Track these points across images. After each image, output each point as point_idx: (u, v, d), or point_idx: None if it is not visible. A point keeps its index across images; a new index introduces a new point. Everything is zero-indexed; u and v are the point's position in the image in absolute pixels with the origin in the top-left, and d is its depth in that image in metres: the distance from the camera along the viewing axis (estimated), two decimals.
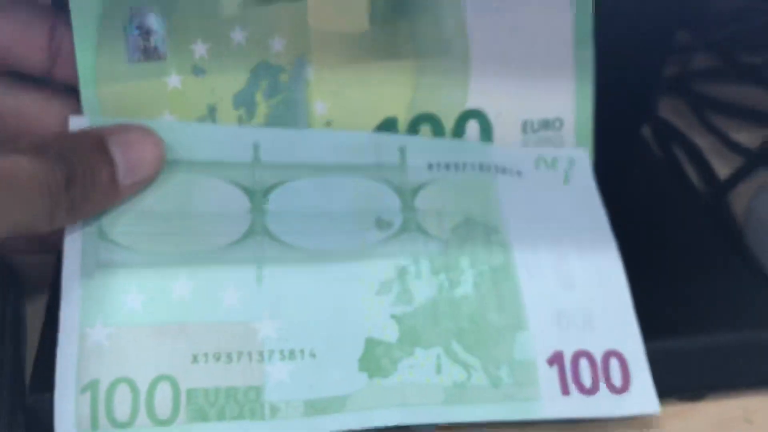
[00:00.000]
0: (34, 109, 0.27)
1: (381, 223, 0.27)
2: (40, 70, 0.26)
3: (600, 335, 0.26)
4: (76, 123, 0.26)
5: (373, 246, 0.27)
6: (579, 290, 0.27)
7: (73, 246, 0.25)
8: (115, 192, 0.25)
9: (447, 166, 0.29)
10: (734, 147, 0.42)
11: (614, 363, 0.26)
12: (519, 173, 0.30)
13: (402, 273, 0.26)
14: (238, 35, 0.27)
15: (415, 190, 0.28)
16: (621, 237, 0.30)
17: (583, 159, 0.30)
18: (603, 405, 0.25)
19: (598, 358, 0.26)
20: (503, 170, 0.29)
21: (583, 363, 0.26)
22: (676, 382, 0.28)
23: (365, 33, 0.28)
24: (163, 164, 0.26)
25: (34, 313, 0.29)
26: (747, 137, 0.42)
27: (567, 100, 0.30)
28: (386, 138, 0.29)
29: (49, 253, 0.26)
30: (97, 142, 0.24)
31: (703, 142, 0.43)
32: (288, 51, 0.28)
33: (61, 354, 0.23)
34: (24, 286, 0.29)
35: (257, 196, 0.27)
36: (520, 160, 0.30)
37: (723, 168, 0.41)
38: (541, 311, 0.27)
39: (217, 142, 0.27)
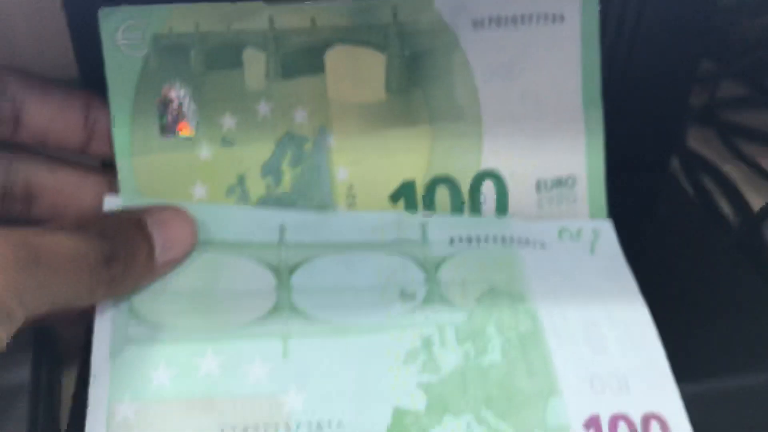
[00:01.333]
0: (70, 185, 0.28)
1: (405, 296, 0.28)
2: (77, 148, 0.28)
3: (637, 398, 0.26)
4: (110, 203, 0.27)
5: (397, 317, 0.27)
6: (612, 354, 0.27)
7: (103, 322, 0.25)
8: (151, 270, 0.26)
9: (469, 240, 0.30)
10: (766, 176, 0.41)
11: (655, 426, 0.26)
12: (542, 245, 0.30)
13: (427, 342, 0.27)
14: (263, 108, 0.29)
15: (438, 264, 0.29)
16: (652, 275, 0.30)
17: (608, 229, 0.31)
18: None
19: (638, 422, 0.26)
20: (526, 242, 0.30)
21: (622, 426, 0.25)
22: (714, 424, 0.27)
23: (382, 102, 0.30)
24: (195, 244, 0.27)
25: (71, 378, 0.29)
26: None
27: (579, 159, 0.31)
28: (407, 216, 0.30)
29: (87, 323, 0.26)
30: (135, 221, 0.25)
31: (733, 171, 0.43)
32: (310, 121, 0.29)
33: (89, 430, 0.24)
34: (61, 352, 0.30)
35: (283, 273, 0.28)
36: (542, 232, 0.31)
37: (755, 197, 0.40)
38: (573, 376, 0.26)
39: (244, 224, 0.28)
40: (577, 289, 0.29)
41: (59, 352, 0.30)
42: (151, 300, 0.26)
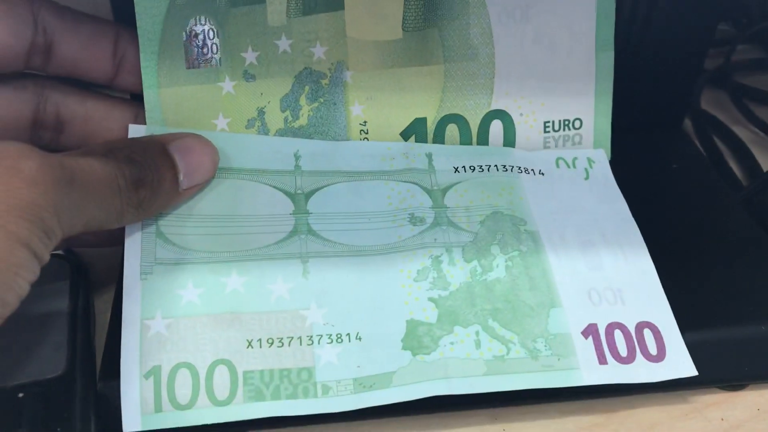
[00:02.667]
0: (99, 115, 0.29)
1: (414, 219, 0.30)
2: (105, 79, 0.29)
3: (631, 309, 0.28)
4: (134, 131, 0.29)
5: (408, 239, 0.29)
6: (607, 271, 0.29)
7: (133, 246, 0.27)
8: (176, 194, 0.27)
9: (472, 169, 0.31)
10: None
11: (648, 333, 0.28)
12: (541, 172, 0.32)
13: (436, 261, 0.29)
14: (283, 43, 0.30)
15: (444, 190, 0.31)
16: (662, 230, 0.31)
17: (602, 158, 0.33)
18: (641, 372, 0.27)
19: (632, 330, 0.28)
20: (525, 170, 0.32)
21: (618, 334, 0.28)
22: (717, 371, 0.29)
23: (398, 40, 0.31)
24: (216, 169, 0.28)
25: (102, 305, 0.31)
26: None
27: (587, 102, 0.33)
28: (414, 146, 0.32)
29: (114, 246, 0.28)
30: (161, 147, 0.27)
31: (745, 133, 0.43)
32: (328, 57, 0.31)
33: (125, 344, 0.26)
34: (92, 279, 0.32)
35: (299, 199, 0.29)
36: (541, 161, 0.32)
37: (765, 159, 0.41)
38: (572, 289, 0.29)
39: (261, 152, 0.30)
40: (573, 211, 0.31)
41: (90, 279, 0.32)
42: (177, 224, 0.28)
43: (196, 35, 0.29)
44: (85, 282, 0.30)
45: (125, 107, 0.30)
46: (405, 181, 0.31)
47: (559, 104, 0.32)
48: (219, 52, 0.30)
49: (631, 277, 0.29)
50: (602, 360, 0.27)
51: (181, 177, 0.27)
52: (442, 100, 0.32)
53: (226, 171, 0.29)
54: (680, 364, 0.27)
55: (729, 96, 0.46)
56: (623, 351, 0.27)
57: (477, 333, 0.27)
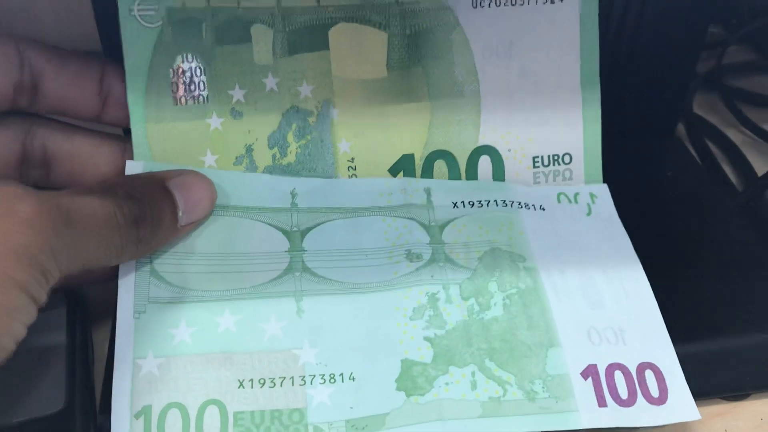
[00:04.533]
0: (86, 151, 0.29)
1: (411, 256, 0.30)
2: (91, 115, 0.29)
3: (632, 349, 0.28)
4: (132, 167, 0.29)
5: (404, 276, 0.29)
6: (608, 309, 0.29)
7: (126, 284, 0.27)
8: (174, 230, 0.27)
9: (471, 204, 0.32)
10: None
11: (650, 375, 0.27)
12: (542, 208, 0.32)
13: (433, 299, 0.28)
14: (270, 81, 0.31)
15: (442, 226, 0.31)
16: (659, 239, 0.31)
17: (604, 193, 0.33)
18: (642, 415, 0.27)
19: (633, 371, 0.27)
20: (526, 205, 0.32)
21: (618, 375, 0.27)
22: (719, 382, 0.29)
23: (383, 79, 0.31)
24: (214, 206, 0.29)
25: (100, 335, 0.32)
26: None
27: (576, 136, 0.33)
28: (412, 181, 0.32)
29: (113, 280, 0.28)
30: (160, 184, 0.27)
31: (738, 136, 0.43)
32: (315, 96, 0.31)
33: (116, 384, 0.26)
34: (90, 311, 0.32)
35: (295, 236, 0.29)
36: (542, 196, 0.32)
37: (759, 161, 0.41)
38: (571, 328, 0.28)
39: (257, 190, 0.30)
40: (574, 248, 0.31)
41: (88, 311, 0.32)
42: (172, 262, 0.28)
43: (184, 72, 0.30)
44: (83, 314, 0.31)
45: (112, 143, 0.30)
46: (402, 217, 0.31)
47: (548, 139, 0.33)
48: (206, 89, 0.30)
49: (633, 315, 0.29)
50: (602, 402, 0.27)
51: (180, 213, 0.27)
52: (428, 136, 0.32)
53: (222, 208, 0.29)
54: (683, 407, 0.27)
55: (721, 99, 0.46)
56: (624, 393, 0.27)
57: (473, 373, 0.27)
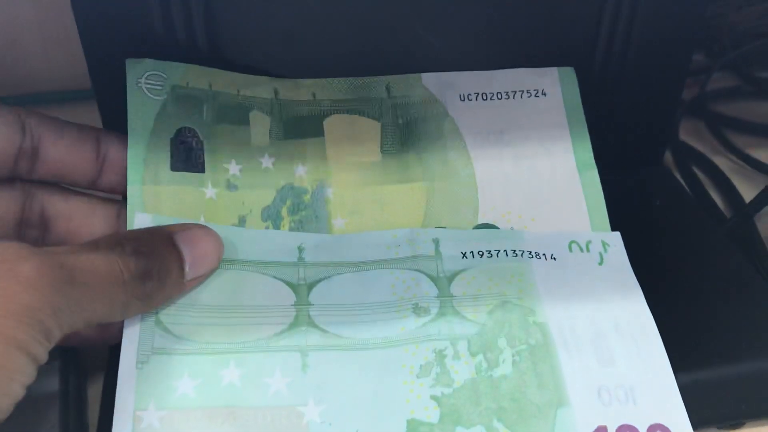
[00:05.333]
0: (82, 212, 0.30)
1: (418, 310, 0.29)
2: (88, 180, 0.30)
3: (643, 409, 0.27)
4: (141, 220, 0.29)
5: (411, 331, 0.29)
6: (619, 366, 0.28)
7: (131, 334, 0.27)
8: (181, 285, 0.27)
9: (481, 254, 0.31)
10: (757, 166, 0.42)
11: None
12: (553, 257, 0.31)
13: (440, 355, 0.28)
14: (266, 161, 0.32)
15: (451, 278, 0.30)
16: (647, 266, 0.31)
17: (616, 241, 0.32)
18: None
19: None
20: (537, 255, 0.31)
21: None
22: (712, 411, 0.29)
23: (378, 162, 0.32)
24: (220, 260, 0.29)
25: (93, 386, 0.31)
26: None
27: (581, 219, 0.33)
28: (420, 231, 0.32)
29: (115, 342, 0.28)
30: (167, 238, 0.27)
31: (724, 162, 0.43)
32: (310, 176, 0.32)
33: None
34: (85, 364, 0.32)
35: (301, 290, 0.29)
36: (554, 245, 0.32)
37: (746, 187, 0.41)
38: (581, 387, 0.28)
39: (265, 245, 0.30)
40: (585, 301, 0.30)
41: (81, 366, 0.31)
42: (177, 313, 0.28)
43: (183, 141, 0.31)
44: (76, 363, 0.30)
45: (108, 205, 0.30)
46: (410, 269, 0.30)
47: (551, 220, 0.33)
48: (203, 160, 0.31)
49: (644, 373, 0.28)
50: None
51: (186, 268, 0.27)
52: (426, 215, 0.33)
53: (229, 262, 0.29)
54: None
55: (706, 125, 0.47)
56: None
57: None
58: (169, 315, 0.27)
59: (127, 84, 0.30)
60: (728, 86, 0.49)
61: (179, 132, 0.31)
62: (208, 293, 0.28)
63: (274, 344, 0.28)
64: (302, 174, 0.32)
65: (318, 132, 0.32)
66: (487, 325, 0.29)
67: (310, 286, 0.29)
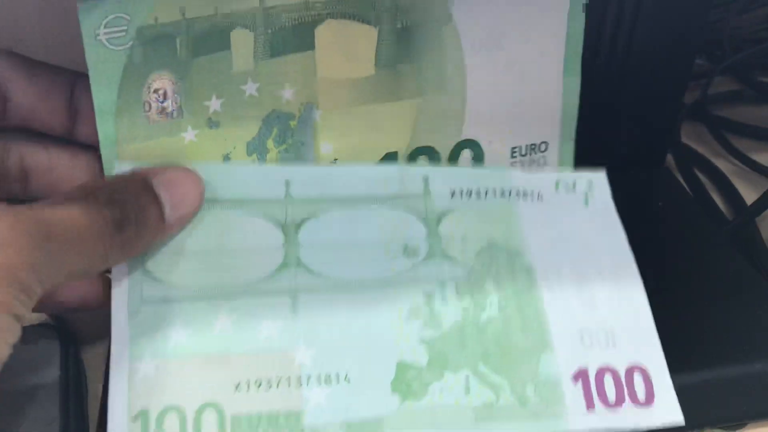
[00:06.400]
0: (64, 162, 0.29)
1: (408, 251, 0.29)
2: (62, 130, 0.29)
3: (623, 351, 0.28)
4: (120, 168, 0.28)
5: (401, 273, 0.29)
6: (601, 309, 0.29)
7: (120, 286, 0.27)
8: (162, 229, 0.26)
9: (469, 194, 0.31)
10: (758, 169, 0.42)
11: (638, 377, 0.28)
12: (540, 197, 0.31)
13: (429, 299, 0.28)
14: (250, 88, 0.29)
15: (439, 218, 0.30)
16: (649, 268, 0.31)
17: (602, 181, 0.32)
18: (628, 418, 0.27)
19: (622, 373, 0.28)
20: (524, 194, 0.31)
21: (608, 378, 0.28)
22: (714, 412, 0.29)
23: (370, 77, 0.30)
24: (203, 201, 0.28)
25: (92, 374, 0.31)
26: None
27: (554, 125, 0.33)
28: (410, 169, 0.31)
29: (102, 308, 0.27)
30: (143, 183, 0.26)
31: (725, 166, 0.43)
32: (297, 98, 0.30)
33: (112, 388, 0.26)
34: (81, 341, 0.32)
35: (290, 230, 0.29)
36: (540, 184, 0.32)
37: (747, 190, 0.41)
38: (564, 331, 0.28)
39: (250, 181, 0.29)
40: (570, 243, 0.30)
41: (78, 342, 0.32)
42: (164, 261, 0.27)
43: (156, 90, 0.28)
44: (75, 351, 0.30)
45: (91, 153, 0.29)
46: (399, 208, 0.30)
47: (527, 130, 0.33)
48: (180, 104, 0.29)
49: (624, 316, 0.29)
50: (590, 405, 0.27)
51: (166, 212, 0.26)
52: (413, 133, 0.32)
53: (213, 202, 0.28)
54: (668, 410, 0.27)
55: (707, 128, 0.47)
56: (612, 396, 0.27)
57: (467, 378, 0.27)
58: (156, 263, 0.27)
59: (84, 38, 0.27)
60: (730, 90, 0.50)
61: (151, 79, 0.28)
62: (194, 237, 0.28)
63: (263, 288, 0.28)
64: (289, 97, 0.30)
65: (308, 45, 0.30)
66: (474, 268, 0.29)
67: (299, 225, 0.29)
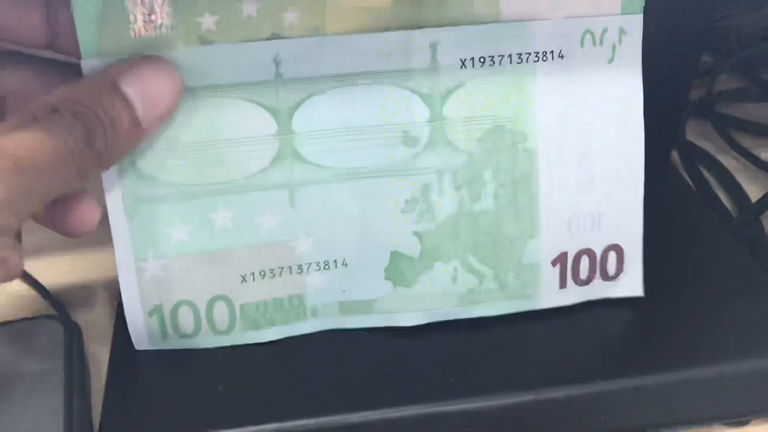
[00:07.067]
0: (37, 83, 0.27)
1: (408, 139, 0.28)
2: (40, 45, 0.27)
3: (605, 233, 0.29)
4: (88, 65, 0.25)
5: (398, 163, 0.28)
6: (595, 193, 0.29)
7: (112, 187, 0.26)
8: (138, 131, 0.25)
9: (482, 61, 0.28)
10: (763, 166, 0.42)
11: (612, 255, 0.29)
12: (561, 55, 0.28)
13: (426, 190, 0.29)
14: (248, 7, 0.26)
15: (445, 97, 0.28)
16: (653, 263, 0.31)
17: (635, 29, 0.28)
18: (594, 291, 0.29)
19: (599, 254, 0.29)
20: (543, 56, 0.28)
21: (584, 259, 0.29)
22: (719, 408, 0.28)
23: (387, 7, 0.27)
24: (182, 93, 0.26)
25: (95, 366, 0.32)
26: None
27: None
28: (416, 35, 0.27)
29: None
30: (110, 87, 0.24)
31: (731, 163, 0.43)
32: (301, 24, 0.27)
33: (124, 287, 0.27)
34: (85, 333, 0.32)
35: (283, 115, 0.27)
36: (565, 36, 0.28)
37: (752, 187, 0.41)
38: (554, 218, 0.29)
39: (235, 63, 0.26)
40: (582, 111, 0.28)
41: (81, 336, 0.32)
42: (155, 156, 0.27)
43: (143, 1, 0.26)
44: (79, 343, 0.30)
45: (68, 73, 0.27)
46: (402, 87, 0.27)
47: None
48: (170, 18, 0.26)
49: (616, 199, 0.29)
50: (563, 284, 0.29)
51: (139, 113, 0.24)
52: None
53: (198, 89, 0.26)
54: (631, 283, 0.29)
55: (713, 125, 0.47)
56: (584, 274, 0.29)
57: (455, 269, 0.29)
58: (146, 160, 0.26)
59: None
60: (735, 87, 0.50)
61: None
62: (182, 130, 0.26)
63: (260, 181, 0.27)
64: (293, 21, 0.27)
65: None
66: (475, 155, 0.28)
67: (292, 110, 0.27)
